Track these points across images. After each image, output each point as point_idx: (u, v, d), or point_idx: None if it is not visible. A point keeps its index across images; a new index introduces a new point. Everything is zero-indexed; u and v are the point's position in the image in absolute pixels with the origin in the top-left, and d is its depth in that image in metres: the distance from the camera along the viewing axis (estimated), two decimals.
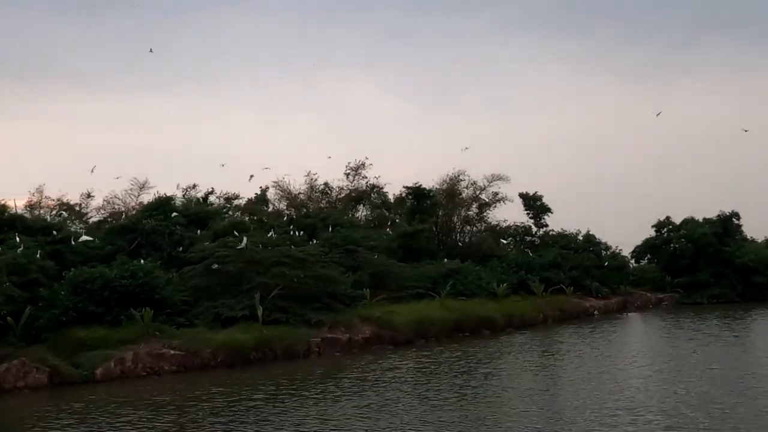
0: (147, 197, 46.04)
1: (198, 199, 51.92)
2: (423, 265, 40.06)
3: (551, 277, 44.57)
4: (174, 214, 35.05)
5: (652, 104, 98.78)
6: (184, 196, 53.57)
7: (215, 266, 28.60)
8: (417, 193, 47.99)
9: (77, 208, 47.68)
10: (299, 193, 54.28)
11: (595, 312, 44.19)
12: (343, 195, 53.79)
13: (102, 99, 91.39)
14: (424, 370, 22.96)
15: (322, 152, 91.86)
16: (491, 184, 50.81)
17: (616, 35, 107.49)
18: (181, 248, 33.16)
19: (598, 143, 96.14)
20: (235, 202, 54.15)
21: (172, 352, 23.05)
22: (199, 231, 35.05)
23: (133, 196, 49.69)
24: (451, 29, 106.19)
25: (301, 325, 27.14)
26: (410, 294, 35.66)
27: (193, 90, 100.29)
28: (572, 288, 43.86)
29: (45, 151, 74.49)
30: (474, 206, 50.59)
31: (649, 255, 56.24)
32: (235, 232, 31.49)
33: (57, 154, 68.18)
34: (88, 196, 49.55)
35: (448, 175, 51.35)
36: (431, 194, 48.29)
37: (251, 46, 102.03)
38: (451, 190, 49.65)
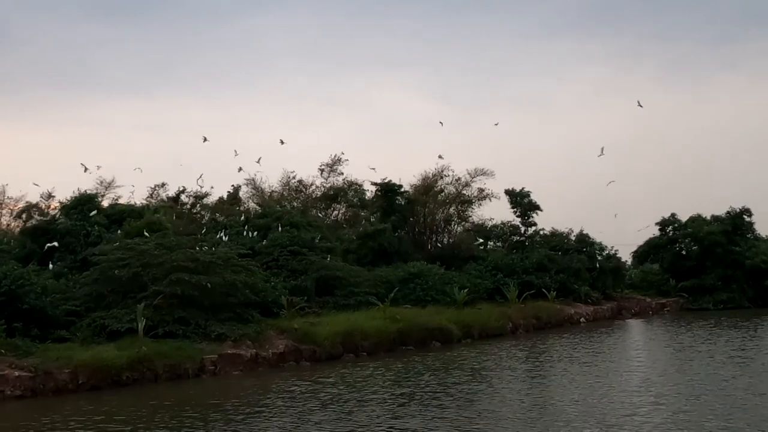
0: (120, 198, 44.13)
1: (160, 198, 48.97)
2: (382, 269, 36.19)
3: (534, 281, 40.33)
4: (93, 213, 31.62)
5: (693, 100, 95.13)
6: (151, 195, 51.17)
7: (115, 271, 25.09)
8: (387, 189, 44.07)
9: (34, 210, 44.97)
10: (272, 191, 50.92)
11: (582, 320, 39.82)
12: (320, 193, 50.21)
13: (136, 104, 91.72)
14: (321, 394, 19.09)
15: (353, 153, 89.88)
16: (474, 179, 46.85)
17: (654, 33, 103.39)
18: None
19: (637, 141, 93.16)
20: (205, 200, 51.34)
21: (17, 373, 19.43)
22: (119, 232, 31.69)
23: (99, 196, 47.55)
24: (486, 29, 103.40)
25: (201, 339, 23.50)
26: (359, 301, 31.86)
27: (224, 93, 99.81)
28: (554, 293, 39.50)
29: (83, 157, 73.45)
30: (454, 204, 46.59)
31: (652, 256, 51.51)
32: (146, 233, 27.95)
33: (94, 160, 67.02)
34: (49, 196, 46.90)
35: (429, 170, 47.68)
36: (403, 191, 44.37)
37: (281, 49, 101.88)
38: (428, 187, 45.68)
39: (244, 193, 51.72)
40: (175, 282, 23.99)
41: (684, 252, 49.34)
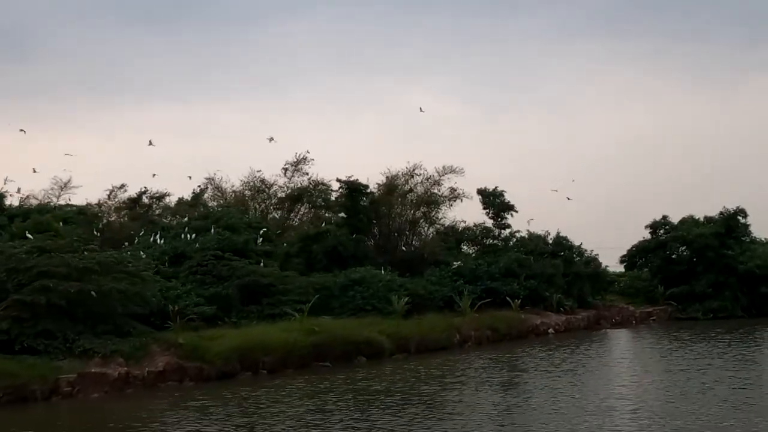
0: (75, 198, 42.20)
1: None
2: (321, 275, 33.12)
3: (499, 288, 36.98)
4: None
5: (722, 102, 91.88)
6: (109, 196, 48.66)
7: None
8: (352, 188, 40.91)
9: None
10: (233, 191, 48.01)
11: (550, 330, 36.36)
12: (283, 194, 47.19)
13: (168, 108, 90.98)
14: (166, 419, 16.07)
15: (382, 156, 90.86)
16: (443, 177, 43.50)
17: (683, 33, 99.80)
18: None
19: (665, 143, 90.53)
20: (164, 201, 48.66)
21: None
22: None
23: (53, 197, 45.22)
24: (512, 31, 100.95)
25: (66, 356, 20.57)
26: (285, 311, 28.79)
27: (255, 97, 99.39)
28: (518, 301, 36.09)
29: (119, 161, 72.51)
30: (422, 205, 43.31)
31: (641, 261, 47.78)
32: (28, 234, 25.10)
33: (129, 164, 66.19)
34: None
35: (399, 169, 44.48)
36: (368, 191, 41.24)
37: (310, 52, 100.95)
38: (392, 186, 42.45)
39: (208, 193, 49.25)
40: (40, 290, 21.09)
41: (674, 256, 45.62)
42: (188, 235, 34.65)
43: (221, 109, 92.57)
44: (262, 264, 31.38)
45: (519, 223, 44.62)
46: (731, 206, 45.01)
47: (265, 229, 36.26)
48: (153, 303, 23.92)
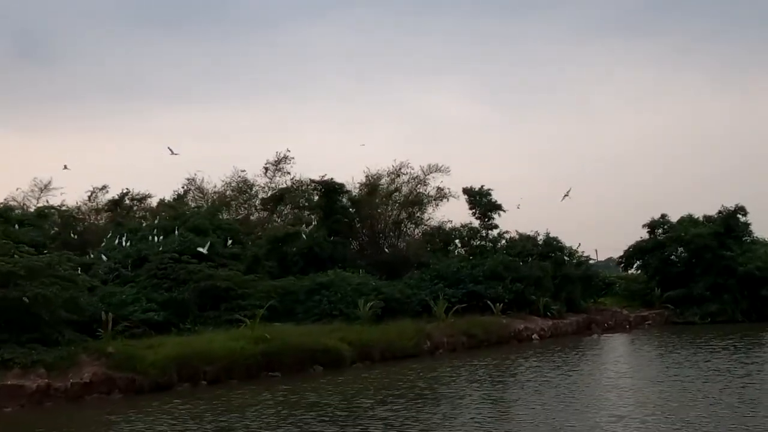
0: (53, 200, 41.34)
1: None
2: (286, 279, 31.61)
3: (483, 292, 35.25)
4: None
5: (742, 101, 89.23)
6: (90, 198, 47.60)
7: None
8: (328, 188, 39.39)
9: None
10: (214, 192, 46.70)
11: (534, 336, 34.57)
12: (265, 195, 45.79)
13: (186, 111, 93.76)
14: None
15: (401, 158, 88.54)
16: (428, 176, 41.95)
17: (702, 33, 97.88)
18: None
19: (686, 143, 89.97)
20: (145, 203, 47.46)
21: None
22: None
23: (33, 199, 44.22)
24: (532, 32, 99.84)
25: None
26: (245, 316, 27.28)
27: (274, 101, 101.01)
28: (501, 305, 34.34)
29: (142, 164, 72.18)
30: (407, 206, 41.73)
31: (638, 262, 45.78)
32: None
33: (148, 167, 66.05)
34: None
35: (386, 169, 42.94)
36: (346, 190, 39.72)
37: (329, 56, 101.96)
38: (373, 185, 40.90)
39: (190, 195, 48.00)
40: None
41: (672, 257, 43.60)
42: (156, 237, 33.43)
43: (240, 113, 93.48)
44: (224, 267, 30.00)
45: (508, 224, 43.07)
46: (742, 204, 43.01)
47: (234, 231, 34.95)
48: (89, 309, 22.47)
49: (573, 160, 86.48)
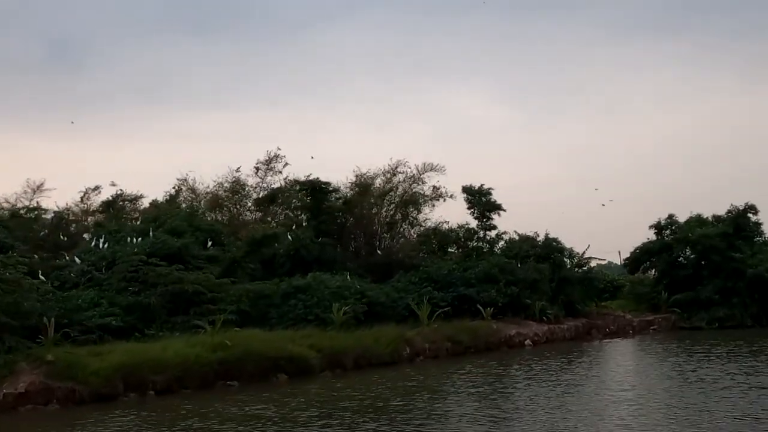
0: (46, 201, 39.80)
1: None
2: (259, 283, 30.31)
3: (474, 295, 33.74)
4: None
5: None
6: (82, 199, 46.79)
7: None
8: (313, 188, 38.10)
9: None
10: (207, 192, 45.59)
11: (528, 342, 32.96)
12: (257, 195, 44.60)
13: (213, 115, 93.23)
14: None
15: (429, 159, 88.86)
16: (423, 175, 40.44)
17: (731, 32, 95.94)
18: None
19: (714, 144, 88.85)
20: (137, 204, 46.53)
21: None
22: None
23: (26, 200, 43.52)
24: (557, 33, 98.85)
25: None
26: (212, 321, 25.99)
27: (298, 103, 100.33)
28: (491, 309, 32.79)
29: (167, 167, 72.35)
30: (401, 206, 40.26)
31: (645, 264, 43.89)
32: None
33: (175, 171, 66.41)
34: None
35: (381, 168, 41.54)
36: (331, 190, 38.39)
37: (352, 58, 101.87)
38: (364, 185, 39.50)
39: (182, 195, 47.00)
40: None
41: (680, 259, 41.68)
42: (134, 239, 32.37)
43: (269, 115, 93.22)
44: (202, 270, 28.82)
45: (508, 224, 41.61)
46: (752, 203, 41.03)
47: (215, 232, 33.80)
48: (34, 314, 21.33)
49: (601, 161, 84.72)
